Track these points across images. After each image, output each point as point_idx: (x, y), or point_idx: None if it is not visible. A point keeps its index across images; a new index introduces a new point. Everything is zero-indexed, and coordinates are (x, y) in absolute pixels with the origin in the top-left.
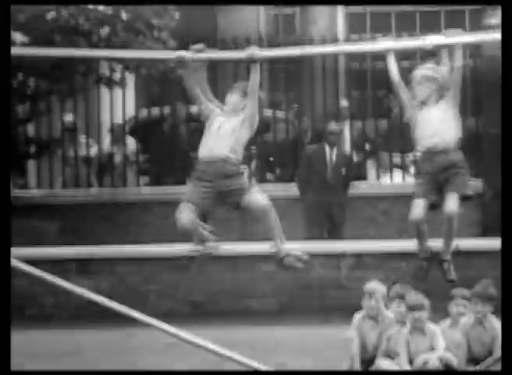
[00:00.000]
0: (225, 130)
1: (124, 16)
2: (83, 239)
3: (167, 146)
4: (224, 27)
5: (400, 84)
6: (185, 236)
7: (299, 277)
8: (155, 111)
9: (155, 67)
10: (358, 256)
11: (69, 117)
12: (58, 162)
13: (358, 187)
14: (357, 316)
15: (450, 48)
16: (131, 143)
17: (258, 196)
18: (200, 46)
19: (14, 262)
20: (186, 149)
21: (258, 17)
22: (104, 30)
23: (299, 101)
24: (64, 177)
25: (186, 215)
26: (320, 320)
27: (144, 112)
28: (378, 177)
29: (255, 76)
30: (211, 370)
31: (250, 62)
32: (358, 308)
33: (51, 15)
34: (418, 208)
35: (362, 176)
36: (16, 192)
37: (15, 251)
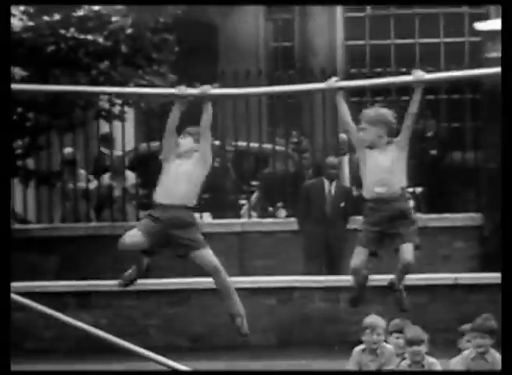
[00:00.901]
0: (181, 175)
1: (123, 49)
2: (83, 273)
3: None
4: (224, 60)
5: (348, 124)
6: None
7: (298, 311)
8: (155, 144)
9: (155, 101)
10: None
11: (68, 150)
12: (58, 195)
13: (357, 221)
14: (357, 350)
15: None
16: (130, 176)
17: (210, 256)
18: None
19: (13, 296)
20: None
21: (258, 50)
22: (104, 64)
23: (298, 135)
24: (63, 211)
25: (129, 238)
26: (319, 354)
27: (143, 146)
28: None
29: (207, 114)
30: (210, 370)
31: (204, 100)
32: (358, 341)
33: (50, 48)
34: (359, 257)
35: (361, 211)
36: (15, 226)
37: (14, 284)
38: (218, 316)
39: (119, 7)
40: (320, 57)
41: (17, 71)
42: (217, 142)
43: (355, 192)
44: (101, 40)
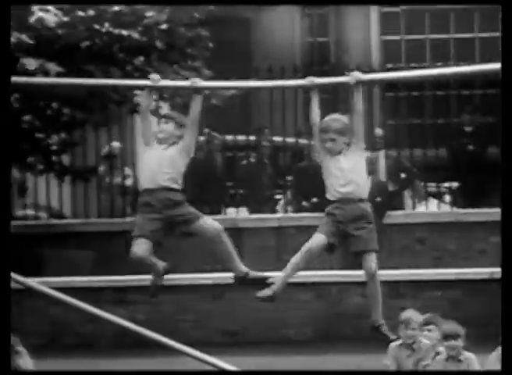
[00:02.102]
0: (165, 160)
1: (158, 44)
2: (119, 268)
3: (202, 175)
4: (259, 56)
5: (315, 125)
6: (139, 264)
7: (335, 306)
8: None
9: (190, 96)
10: (394, 285)
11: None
12: (94, 190)
13: (394, 216)
14: (393, 345)
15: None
16: None
17: (209, 220)
18: (157, 76)
19: (50, 292)
20: (220, 178)
21: (293, 46)
22: (139, 60)
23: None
24: (99, 206)
25: (137, 246)
26: (356, 349)
27: None
28: (413, 206)
29: (196, 106)
30: (211, 370)
31: (196, 92)
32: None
33: (84, 44)
34: (317, 240)
35: (398, 206)
36: (51, 221)
37: (51, 279)
38: (253, 311)
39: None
40: (355, 52)
41: (52, 67)
42: (253, 137)
43: (391, 187)
44: (135, 35)
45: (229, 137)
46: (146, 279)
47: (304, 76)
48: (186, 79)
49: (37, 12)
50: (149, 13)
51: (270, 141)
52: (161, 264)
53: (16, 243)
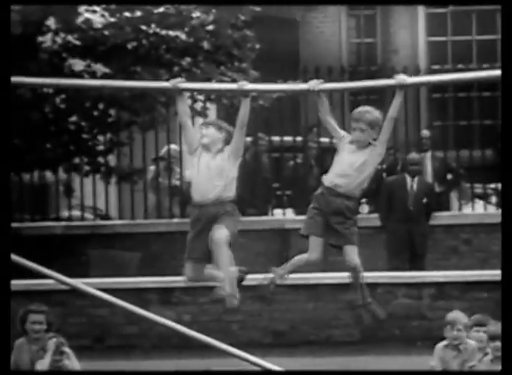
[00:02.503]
0: (214, 170)
1: (205, 46)
2: (165, 269)
3: (249, 176)
4: (306, 57)
5: (329, 122)
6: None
7: (382, 307)
8: None
9: (237, 97)
10: (440, 286)
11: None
12: (140, 192)
13: (440, 217)
14: (440, 346)
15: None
16: None
17: (220, 229)
18: (177, 80)
19: (96, 292)
20: (268, 179)
21: (341, 46)
22: (186, 61)
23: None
24: (146, 207)
25: (188, 269)
26: (402, 350)
27: None
28: (460, 207)
29: (245, 109)
30: (213, 370)
31: (245, 95)
32: (440, 337)
33: (131, 45)
34: (315, 248)
35: (444, 207)
36: (97, 222)
37: (97, 281)
38: (300, 312)
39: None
40: (402, 53)
41: (99, 68)
42: (300, 139)
43: (437, 188)
44: (182, 36)
45: (276, 139)
46: None
47: (350, 77)
48: (233, 80)
49: (84, 14)
50: (195, 14)
51: (317, 142)
52: (218, 273)
53: (62, 244)
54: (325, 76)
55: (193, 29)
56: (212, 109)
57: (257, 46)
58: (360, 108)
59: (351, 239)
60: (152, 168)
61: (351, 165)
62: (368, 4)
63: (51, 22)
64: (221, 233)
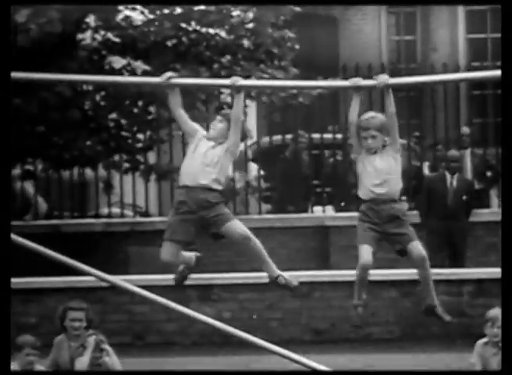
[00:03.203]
0: (210, 159)
1: (245, 43)
2: (205, 266)
3: (289, 173)
4: (346, 55)
5: (354, 126)
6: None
7: (421, 304)
8: (277, 138)
9: (276, 94)
10: (480, 283)
11: None
12: None
13: (480, 214)
14: (480, 343)
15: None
16: (253, 169)
17: (237, 224)
18: (170, 73)
19: (135, 289)
20: (308, 176)
21: (380, 44)
22: (226, 58)
23: (420, 128)
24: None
25: (166, 249)
26: (442, 347)
27: (265, 139)
28: (499, 204)
29: (238, 105)
30: (216, 370)
31: (235, 91)
32: (481, 335)
33: (171, 42)
34: (367, 253)
35: (484, 204)
36: (137, 219)
37: (136, 277)
38: (340, 309)
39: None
40: (441, 50)
41: (139, 65)
42: (340, 136)
43: (477, 185)
44: (222, 34)
45: (316, 136)
46: (232, 277)
47: (390, 74)
48: (273, 78)
49: (124, 11)
50: (235, 12)
51: None
52: (190, 255)
53: (102, 241)
54: (365, 74)
55: (234, 27)
56: (252, 106)
57: (297, 46)
58: (365, 116)
59: (413, 236)
60: None
61: (381, 171)
62: (369, 4)
63: (90, 19)
64: (242, 228)
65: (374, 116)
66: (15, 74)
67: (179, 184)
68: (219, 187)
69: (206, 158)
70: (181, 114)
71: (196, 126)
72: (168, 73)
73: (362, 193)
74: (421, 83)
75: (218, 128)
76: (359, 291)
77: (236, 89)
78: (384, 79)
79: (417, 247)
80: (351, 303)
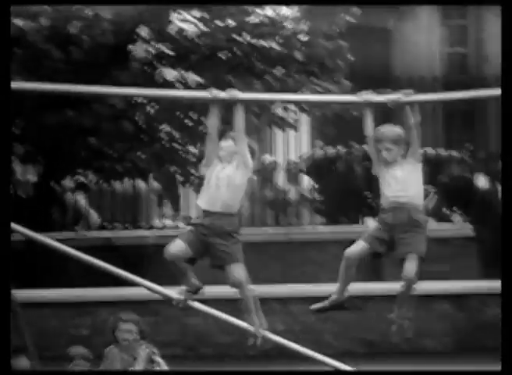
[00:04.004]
0: (223, 180)
1: (298, 56)
2: (257, 278)
3: (342, 185)
4: (398, 67)
5: (371, 140)
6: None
7: (475, 317)
8: (330, 151)
9: (329, 107)
10: None
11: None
12: None
13: None
14: None
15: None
16: (306, 181)
17: (237, 271)
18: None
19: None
20: (361, 188)
21: (433, 56)
22: (278, 70)
23: (473, 140)
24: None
25: (173, 244)
26: (496, 360)
27: (318, 152)
28: None
29: (238, 117)
30: (216, 370)
31: (234, 103)
32: None
33: (224, 54)
34: (357, 247)
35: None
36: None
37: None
38: (393, 321)
39: (294, 13)
40: (493, 63)
41: (191, 77)
42: None
43: None
44: (275, 46)
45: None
46: (285, 289)
47: (443, 87)
48: (327, 90)
49: (177, 23)
50: (288, 24)
51: None
52: (195, 281)
53: (154, 252)
54: (417, 86)
55: (287, 39)
56: (304, 120)
57: (350, 57)
58: (381, 128)
59: (416, 247)
60: (255, 177)
61: (400, 179)
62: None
63: (143, 31)
64: (239, 274)
65: (389, 129)
66: (15, 84)
67: (199, 209)
68: (235, 207)
69: (219, 180)
70: (213, 134)
71: (217, 150)
72: (215, 90)
73: (383, 201)
74: (440, 100)
75: (226, 147)
76: (341, 284)
77: (234, 102)
78: (397, 97)
79: (409, 265)
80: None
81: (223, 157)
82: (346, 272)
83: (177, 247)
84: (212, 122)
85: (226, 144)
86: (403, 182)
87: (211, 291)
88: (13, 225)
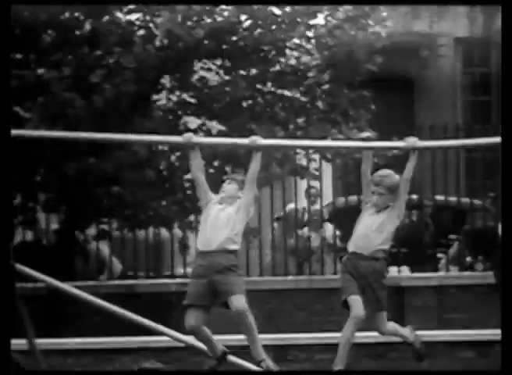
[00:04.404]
0: (221, 220)
1: (320, 105)
2: (280, 326)
3: None
4: (421, 115)
5: (366, 182)
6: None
7: (499, 365)
8: (352, 198)
9: (351, 156)
10: None
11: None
12: (255, 249)
13: None
14: None
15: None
16: (329, 229)
17: (238, 301)
18: (189, 134)
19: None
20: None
21: (455, 104)
22: (300, 119)
23: (496, 189)
24: (261, 264)
25: (189, 316)
26: None
27: (341, 200)
28: None
29: (255, 164)
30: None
31: (254, 150)
32: None
33: (247, 103)
34: (359, 304)
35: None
36: None
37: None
38: (415, 372)
39: (316, 62)
40: None
41: (214, 125)
42: (414, 196)
43: None
44: (298, 95)
45: None
46: (308, 337)
47: (466, 135)
48: (349, 138)
49: (199, 71)
50: (311, 73)
51: (432, 200)
52: (219, 346)
53: (177, 300)
54: (440, 134)
55: (309, 87)
56: (328, 169)
57: (373, 107)
58: (380, 172)
59: (383, 304)
60: (276, 225)
61: (370, 226)
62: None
63: (165, 80)
64: (243, 303)
65: (388, 175)
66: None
67: (196, 251)
68: (233, 247)
69: (217, 220)
70: (199, 177)
71: (209, 192)
72: (190, 134)
73: (349, 244)
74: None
75: (228, 189)
76: (344, 352)
77: (255, 148)
78: (412, 142)
79: (381, 323)
80: (425, 364)
81: (223, 199)
82: (351, 338)
83: (192, 317)
84: (195, 165)
85: (230, 187)
86: (372, 231)
87: (235, 338)
88: (36, 273)
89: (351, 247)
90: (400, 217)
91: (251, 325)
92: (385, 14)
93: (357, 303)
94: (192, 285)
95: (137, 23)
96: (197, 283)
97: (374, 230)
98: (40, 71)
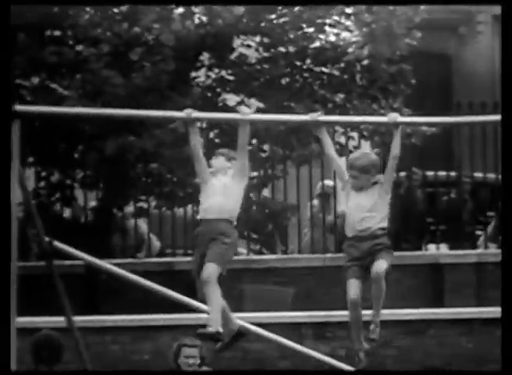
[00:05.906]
0: (218, 189)
1: (359, 81)
2: (318, 304)
3: (403, 210)
4: (459, 93)
5: (333, 160)
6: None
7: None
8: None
9: (389, 133)
10: None
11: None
12: (294, 227)
13: None
14: None
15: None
16: None
17: (207, 267)
18: (189, 110)
19: (249, 326)
20: (422, 214)
21: (494, 82)
22: (339, 97)
23: None
24: (300, 242)
25: (198, 287)
26: None
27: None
28: None
29: (243, 133)
30: (217, 370)
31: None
32: None
33: (285, 80)
34: (354, 288)
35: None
36: (251, 257)
37: (251, 315)
38: (455, 347)
39: (355, 38)
40: None
41: (253, 103)
42: (453, 173)
43: None
44: (336, 72)
45: (430, 173)
46: (347, 314)
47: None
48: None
49: (239, 49)
50: (350, 49)
51: (471, 177)
52: (235, 324)
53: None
54: (479, 112)
55: (348, 64)
56: (366, 146)
57: (413, 81)
58: (352, 155)
59: (384, 256)
60: (316, 202)
61: (364, 208)
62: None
63: (204, 57)
64: (209, 272)
65: (358, 157)
66: (20, 107)
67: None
68: (231, 216)
69: (214, 189)
70: (198, 153)
71: (207, 169)
72: (189, 109)
73: (347, 229)
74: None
75: (216, 164)
76: (356, 333)
77: (241, 121)
78: (393, 117)
79: (378, 264)
80: (464, 340)
81: (214, 173)
82: (356, 320)
83: (198, 285)
84: (194, 141)
85: (217, 160)
86: (369, 210)
87: (274, 315)
88: (73, 250)
89: (350, 232)
90: (389, 192)
91: (212, 293)
92: None
93: (350, 286)
94: (195, 253)
95: None
96: (195, 251)
97: (368, 211)
98: (79, 48)
